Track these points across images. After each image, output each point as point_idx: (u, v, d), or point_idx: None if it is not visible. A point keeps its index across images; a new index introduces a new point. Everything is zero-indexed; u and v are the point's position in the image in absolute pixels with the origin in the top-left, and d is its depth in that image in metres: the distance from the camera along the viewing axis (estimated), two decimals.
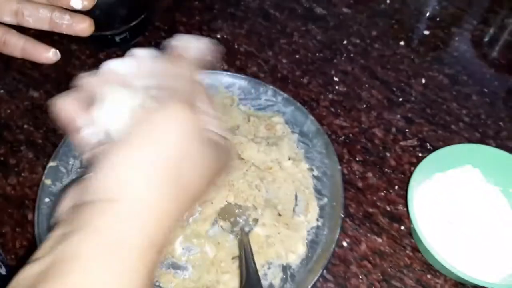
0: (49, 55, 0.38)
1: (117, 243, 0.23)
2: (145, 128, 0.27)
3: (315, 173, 0.52)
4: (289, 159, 0.52)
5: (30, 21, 0.37)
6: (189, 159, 0.27)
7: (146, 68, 0.30)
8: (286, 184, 0.51)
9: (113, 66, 0.30)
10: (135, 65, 0.31)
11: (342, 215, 0.48)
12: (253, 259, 0.44)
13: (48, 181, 0.48)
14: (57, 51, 0.39)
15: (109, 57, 0.62)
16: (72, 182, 0.30)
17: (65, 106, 0.29)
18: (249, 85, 0.57)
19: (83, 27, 0.37)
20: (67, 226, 0.24)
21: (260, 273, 0.45)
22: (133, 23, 0.61)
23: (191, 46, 0.34)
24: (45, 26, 0.38)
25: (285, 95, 0.56)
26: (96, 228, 0.23)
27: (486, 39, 0.68)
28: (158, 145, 0.26)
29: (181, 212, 0.27)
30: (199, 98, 0.31)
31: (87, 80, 0.30)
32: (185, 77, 0.31)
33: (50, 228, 0.26)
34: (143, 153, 0.26)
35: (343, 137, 0.57)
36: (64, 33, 0.38)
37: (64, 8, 0.36)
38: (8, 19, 0.37)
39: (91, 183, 0.25)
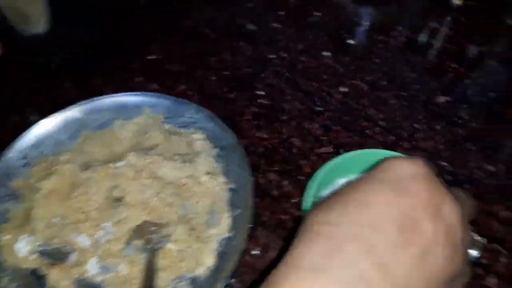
0: None
1: None
2: None
3: (232, 185, 0.52)
4: (208, 174, 0.53)
5: None
6: None
7: None
8: (203, 199, 0.52)
9: None
10: None
11: (251, 225, 0.48)
12: (154, 277, 0.45)
13: None
14: None
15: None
16: None
17: None
18: (173, 104, 0.58)
19: None
20: None
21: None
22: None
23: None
24: None
25: (207, 112, 0.56)
26: None
27: (411, 46, 0.68)
28: None
29: None
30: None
31: None
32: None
33: None
34: None
35: (262, 149, 0.57)
36: None
37: None
38: None
39: None
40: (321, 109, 0.60)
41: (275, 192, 0.53)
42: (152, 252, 0.48)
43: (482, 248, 0.29)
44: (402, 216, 0.25)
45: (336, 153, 0.56)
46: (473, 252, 0.30)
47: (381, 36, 0.68)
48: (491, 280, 0.47)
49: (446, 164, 0.55)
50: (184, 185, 0.52)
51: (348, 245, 0.24)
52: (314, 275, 0.24)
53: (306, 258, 0.25)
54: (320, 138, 0.57)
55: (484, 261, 0.48)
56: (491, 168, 0.55)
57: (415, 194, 0.26)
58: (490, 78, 0.65)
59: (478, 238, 0.30)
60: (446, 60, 0.66)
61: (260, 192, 0.53)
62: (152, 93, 0.59)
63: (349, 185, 0.28)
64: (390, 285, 0.24)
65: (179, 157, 0.53)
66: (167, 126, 0.57)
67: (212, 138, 0.56)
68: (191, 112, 0.57)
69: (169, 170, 0.52)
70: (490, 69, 0.66)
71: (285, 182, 0.54)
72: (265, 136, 0.58)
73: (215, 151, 0.55)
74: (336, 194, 0.28)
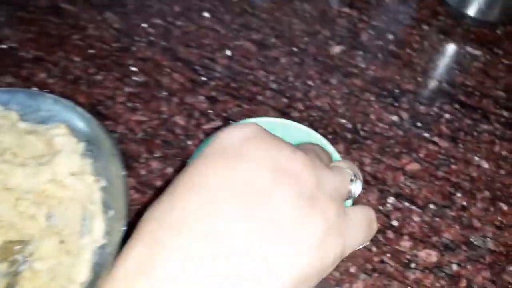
0: None
1: None
2: None
3: (103, 183, 0.45)
4: (73, 174, 0.45)
5: None
6: None
7: None
8: (72, 204, 0.44)
9: None
10: None
11: (124, 228, 0.41)
12: None
13: None
14: None
15: None
16: None
17: None
18: (28, 98, 0.49)
19: None
20: None
21: None
22: None
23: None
24: None
25: (68, 102, 0.48)
26: None
27: None
28: None
29: None
30: None
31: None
32: None
33: None
34: None
35: (141, 134, 0.49)
36: None
37: None
38: None
39: None
40: (205, 78, 0.53)
41: (159, 183, 0.46)
42: (13, 276, 0.40)
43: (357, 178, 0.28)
44: (240, 185, 0.22)
45: (226, 126, 0.49)
46: (355, 186, 0.27)
47: None
48: (405, 244, 0.43)
49: (345, 121, 0.49)
50: (44, 191, 0.43)
51: (173, 239, 0.21)
52: (133, 281, 0.20)
53: (127, 264, 0.21)
54: (207, 112, 0.50)
55: (394, 223, 0.44)
56: (394, 118, 0.50)
57: (249, 156, 0.23)
58: (387, 18, 0.59)
59: (347, 170, 0.28)
60: (338, 6, 0.60)
61: (141, 185, 0.46)
62: (1, 88, 0.49)
63: (184, 169, 0.24)
64: (238, 271, 0.20)
65: (33, 160, 0.44)
66: (23, 125, 0.48)
67: (76, 132, 0.47)
68: (49, 104, 0.48)
69: (22, 178, 0.43)
70: (387, 9, 0.61)
71: (169, 169, 0.47)
72: (143, 118, 0.50)
73: (80, 146, 0.47)
74: (172, 182, 0.24)
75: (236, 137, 0.24)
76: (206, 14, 0.58)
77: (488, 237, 0.44)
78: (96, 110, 0.51)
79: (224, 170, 0.23)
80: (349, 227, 0.25)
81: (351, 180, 0.27)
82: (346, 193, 0.27)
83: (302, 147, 0.28)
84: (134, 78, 0.53)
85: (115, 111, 0.51)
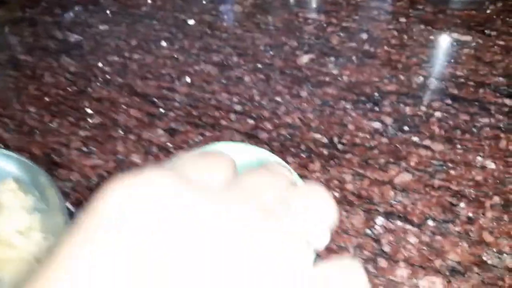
0: None
1: None
2: None
3: (51, 241, 0.40)
4: (20, 233, 0.41)
5: None
6: None
7: None
8: (20, 265, 0.40)
9: None
10: None
11: None
12: None
13: None
14: None
15: None
16: None
17: None
18: None
19: None
20: None
21: None
22: None
23: None
24: None
25: (13, 155, 0.44)
26: None
27: (259, 7, 0.56)
28: None
29: None
30: None
31: None
32: None
33: None
34: None
35: (96, 179, 0.45)
36: None
37: None
38: None
39: None
40: (163, 110, 0.48)
41: None
42: None
43: None
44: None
45: None
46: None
47: (223, 5, 0.57)
48: (401, 272, 0.36)
49: (319, 136, 0.43)
50: None
51: None
52: None
53: None
54: (165, 146, 0.46)
55: (386, 248, 0.37)
56: (375, 125, 0.44)
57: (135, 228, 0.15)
58: (358, 17, 0.54)
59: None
60: (302, 12, 0.55)
61: None
62: None
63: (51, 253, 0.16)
64: None
65: None
66: None
67: (24, 186, 0.43)
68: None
69: None
70: (358, 8, 0.56)
71: None
72: (98, 162, 0.46)
73: (28, 201, 0.43)
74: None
75: (116, 198, 0.16)
76: (164, 43, 0.54)
77: (505, 253, 0.36)
78: (49, 159, 0.47)
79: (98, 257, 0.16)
80: None
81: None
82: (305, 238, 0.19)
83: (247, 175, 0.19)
84: (90, 120, 0.49)
85: (69, 158, 0.47)
